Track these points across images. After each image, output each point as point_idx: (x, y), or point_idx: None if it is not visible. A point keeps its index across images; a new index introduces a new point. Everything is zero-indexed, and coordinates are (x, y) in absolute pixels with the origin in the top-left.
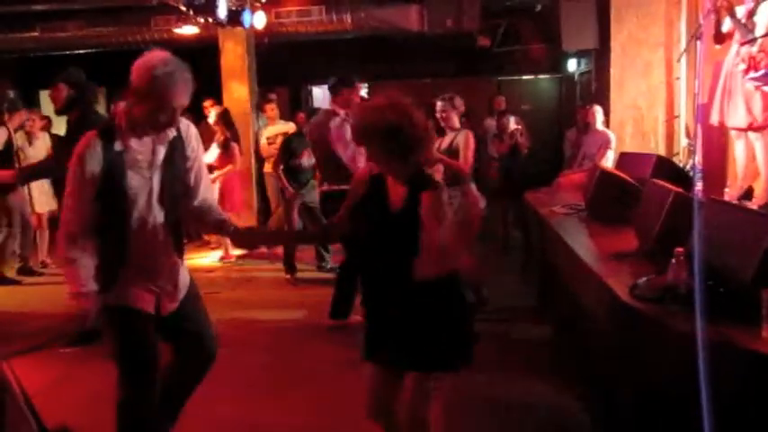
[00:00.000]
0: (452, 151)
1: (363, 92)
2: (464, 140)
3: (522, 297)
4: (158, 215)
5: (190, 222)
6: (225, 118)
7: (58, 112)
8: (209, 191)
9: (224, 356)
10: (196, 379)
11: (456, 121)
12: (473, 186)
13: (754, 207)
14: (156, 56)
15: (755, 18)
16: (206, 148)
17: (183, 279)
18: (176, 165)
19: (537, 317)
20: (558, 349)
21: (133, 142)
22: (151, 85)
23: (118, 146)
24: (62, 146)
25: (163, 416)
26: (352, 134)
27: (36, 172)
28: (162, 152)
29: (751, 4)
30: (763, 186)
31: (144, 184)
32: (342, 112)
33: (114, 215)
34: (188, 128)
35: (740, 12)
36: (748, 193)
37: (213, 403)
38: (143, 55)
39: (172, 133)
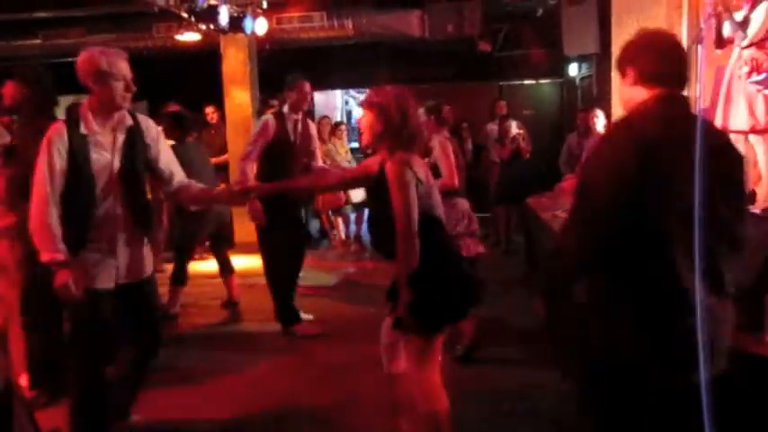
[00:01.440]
0: (434, 168)
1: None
2: (439, 149)
3: (525, 301)
4: (119, 192)
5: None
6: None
7: None
8: (181, 175)
9: (230, 362)
10: (144, 359)
11: (434, 140)
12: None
13: (757, 211)
14: (91, 51)
15: (751, 22)
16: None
17: (146, 258)
18: (136, 149)
19: (539, 320)
20: (561, 351)
21: (95, 127)
22: (99, 73)
23: (83, 129)
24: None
25: (117, 402)
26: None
27: None
28: (121, 137)
29: (747, 8)
30: (764, 190)
31: (106, 164)
32: (292, 113)
33: (81, 189)
34: (146, 120)
35: (738, 16)
36: (750, 198)
37: (221, 408)
38: (81, 55)
39: (129, 121)
